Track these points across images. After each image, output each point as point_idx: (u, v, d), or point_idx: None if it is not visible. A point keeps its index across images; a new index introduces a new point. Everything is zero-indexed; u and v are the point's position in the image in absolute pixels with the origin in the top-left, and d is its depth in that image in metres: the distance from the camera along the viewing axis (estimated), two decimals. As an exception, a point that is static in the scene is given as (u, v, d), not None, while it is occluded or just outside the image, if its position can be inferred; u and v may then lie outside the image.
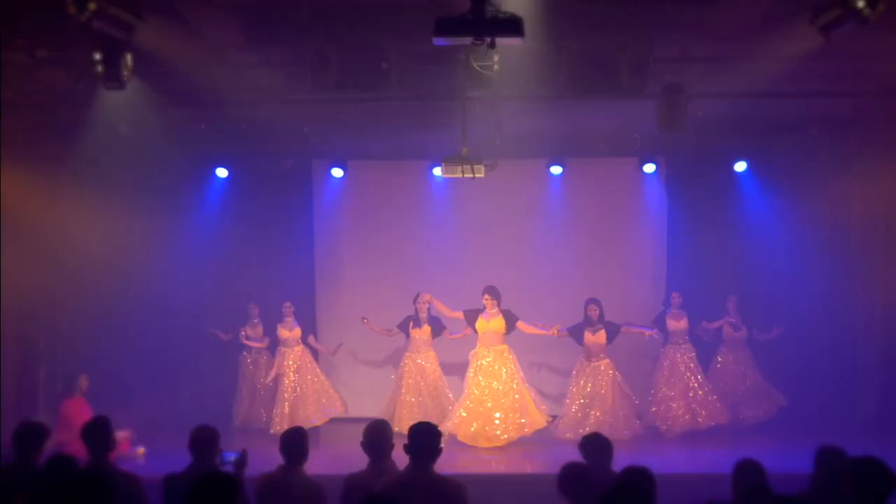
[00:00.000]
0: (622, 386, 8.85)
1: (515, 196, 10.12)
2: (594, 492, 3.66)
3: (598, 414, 8.62)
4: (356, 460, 4.53)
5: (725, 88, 7.13)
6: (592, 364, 8.86)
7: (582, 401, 8.77)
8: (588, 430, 7.51)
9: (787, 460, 5.75)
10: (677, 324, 9.32)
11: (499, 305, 8.70)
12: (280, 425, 8.79)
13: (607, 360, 8.89)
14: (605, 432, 5.78)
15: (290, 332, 9.50)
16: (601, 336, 8.85)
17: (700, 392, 9.14)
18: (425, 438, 3.93)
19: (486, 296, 8.68)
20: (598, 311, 8.85)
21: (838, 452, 4.28)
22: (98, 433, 4.48)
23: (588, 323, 8.89)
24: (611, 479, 4.21)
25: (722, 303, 9.56)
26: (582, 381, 8.85)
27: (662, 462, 7.06)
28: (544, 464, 7.76)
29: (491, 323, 8.62)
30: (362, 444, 4.31)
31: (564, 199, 10.29)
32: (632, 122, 8.45)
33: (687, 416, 9.02)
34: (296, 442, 4.45)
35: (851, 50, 6.34)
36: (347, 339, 9.81)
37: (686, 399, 9.08)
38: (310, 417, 9.09)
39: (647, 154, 9.77)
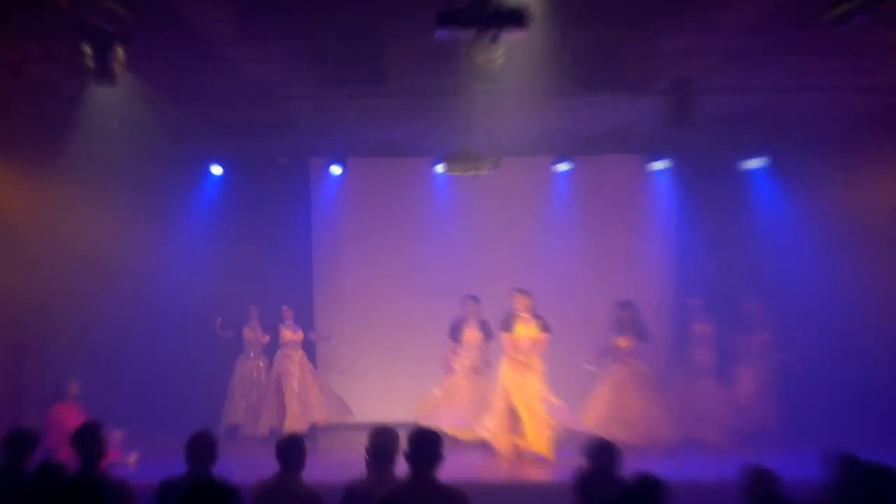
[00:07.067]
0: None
1: (519, 194, 9.99)
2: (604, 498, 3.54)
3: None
4: (355, 467, 4.40)
5: (737, 83, 6.95)
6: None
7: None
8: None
9: (796, 466, 5.62)
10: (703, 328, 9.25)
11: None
12: (294, 425, 8.76)
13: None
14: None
15: (293, 334, 9.41)
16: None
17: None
18: (426, 444, 3.80)
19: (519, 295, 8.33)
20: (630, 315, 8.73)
21: (856, 460, 4.17)
22: (88, 439, 4.39)
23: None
24: (618, 485, 4.08)
25: (732, 304, 9.36)
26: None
27: (672, 469, 6.90)
28: (550, 471, 7.62)
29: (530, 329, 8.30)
30: (366, 448, 4.18)
31: (570, 197, 10.13)
32: (639, 118, 8.27)
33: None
34: (292, 448, 4.33)
35: (869, 42, 6.16)
36: (348, 343, 9.69)
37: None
38: (321, 416, 9.07)
39: (656, 151, 9.60)
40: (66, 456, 4.76)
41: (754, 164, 9.61)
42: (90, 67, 5.40)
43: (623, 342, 8.80)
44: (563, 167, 9.75)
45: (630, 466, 4.43)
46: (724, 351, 9.27)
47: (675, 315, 9.72)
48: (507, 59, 5.66)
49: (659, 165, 9.72)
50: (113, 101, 6.80)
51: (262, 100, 7.61)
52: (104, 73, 5.37)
